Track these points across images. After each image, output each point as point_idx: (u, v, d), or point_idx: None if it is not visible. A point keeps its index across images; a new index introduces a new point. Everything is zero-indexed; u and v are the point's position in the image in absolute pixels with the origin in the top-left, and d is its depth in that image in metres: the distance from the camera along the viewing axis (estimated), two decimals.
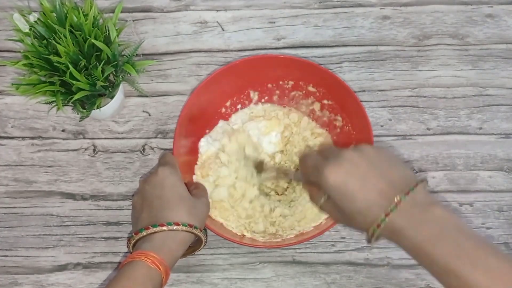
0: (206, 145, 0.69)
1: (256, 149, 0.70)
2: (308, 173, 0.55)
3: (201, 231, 0.58)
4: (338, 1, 0.77)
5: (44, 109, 0.72)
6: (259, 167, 0.69)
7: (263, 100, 0.72)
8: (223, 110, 0.71)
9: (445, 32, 0.75)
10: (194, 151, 0.69)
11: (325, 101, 0.69)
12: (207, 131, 0.70)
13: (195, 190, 0.63)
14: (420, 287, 0.66)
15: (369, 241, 0.50)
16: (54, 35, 0.61)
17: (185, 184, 0.61)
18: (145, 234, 0.56)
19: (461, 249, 0.44)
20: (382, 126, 0.72)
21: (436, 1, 0.76)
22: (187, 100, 0.66)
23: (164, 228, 0.56)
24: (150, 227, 0.56)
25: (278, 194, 0.69)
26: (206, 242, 0.61)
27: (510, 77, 0.74)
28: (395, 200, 0.48)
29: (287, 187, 0.69)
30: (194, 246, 0.61)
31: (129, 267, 0.53)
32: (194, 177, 0.68)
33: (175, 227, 0.56)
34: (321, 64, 0.73)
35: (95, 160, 0.70)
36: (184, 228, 0.56)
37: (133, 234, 0.57)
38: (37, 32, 0.62)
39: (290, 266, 0.67)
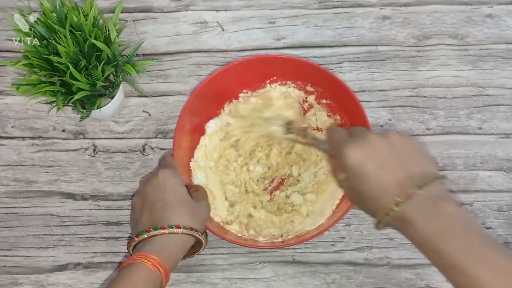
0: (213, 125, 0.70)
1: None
2: (332, 147, 0.55)
3: (201, 234, 0.58)
4: (338, 1, 0.77)
5: (44, 109, 0.72)
6: (288, 125, 0.66)
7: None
8: (223, 110, 0.71)
9: (445, 32, 0.75)
10: (194, 151, 0.69)
11: (324, 101, 0.70)
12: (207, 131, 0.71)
13: (195, 193, 0.63)
14: (420, 287, 0.66)
15: (377, 227, 0.50)
16: (54, 35, 0.61)
17: (185, 186, 0.61)
18: (146, 236, 0.56)
19: (470, 246, 0.44)
20: (382, 126, 0.72)
21: (436, 1, 0.76)
22: (187, 100, 0.66)
23: (165, 231, 0.56)
24: (151, 229, 0.56)
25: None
26: (206, 245, 0.61)
27: (510, 77, 0.74)
28: (409, 191, 0.47)
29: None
30: (194, 248, 0.61)
31: (129, 269, 0.53)
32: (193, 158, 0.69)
33: (176, 230, 0.56)
34: (321, 64, 0.73)
35: (95, 160, 0.70)
36: (185, 231, 0.56)
37: (133, 236, 0.57)
38: (37, 32, 0.62)
39: (290, 266, 0.67)
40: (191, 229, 0.57)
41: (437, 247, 0.45)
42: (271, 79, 0.70)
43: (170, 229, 0.56)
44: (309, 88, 0.70)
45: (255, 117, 0.66)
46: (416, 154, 0.51)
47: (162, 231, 0.56)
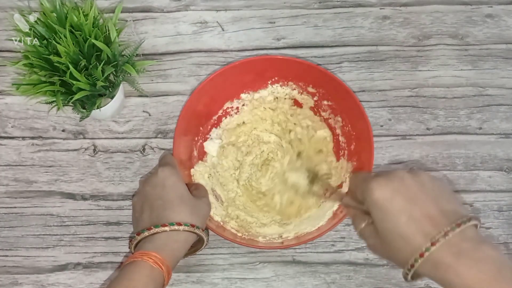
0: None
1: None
2: (355, 188, 0.52)
3: (202, 231, 0.58)
4: (338, 1, 0.77)
5: (44, 109, 0.72)
6: (313, 177, 0.66)
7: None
8: (223, 110, 0.71)
9: (445, 32, 0.75)
10: (193, 151, 0.69)
11: (325, 102, 0.70)
12: (207, 131, 0.71)
13: (195, 190, 0.63)
14: (420, 287, 0.66)
15: (406, 276, 0.45)
16: (54, 35, 0.61)
17: (186, 184, 0.61)
18: (147, 234, 0.56)
19: None
20: (382, 126, 0.72)
21: (436, 1, 0.76)
22: (187, 100, 0.66)
23: (166, 228, 0.56)
24: (152, 227, 0.56)
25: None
26: (207, 242, 0.61)
27: (510, 77, 0.74)
28: (445, 229, 0.43)
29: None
30: (196, 246, 0.61)
31: (131, 267, 0.53)
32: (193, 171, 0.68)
33: (177, 227, 0.56)
34: (321, 64, 0.73)
35: (95, 160, 0.70)
36: (186, 228, 0.56)
37: (135, 235, 0.57)
38: (37, 32, 0.62)
39: (290, 266, 0.67)
40: (192, 226, 0.57)
41: None
42: (273, 79, 0.70)
43: (171, 227, 0.56)
44: (310, 89, 0.70)
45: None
46: (447, 194, 0.48)
47: (163, 228, 0.55)
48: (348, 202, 0.55)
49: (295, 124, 0.71)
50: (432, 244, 0.43)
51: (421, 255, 0.43)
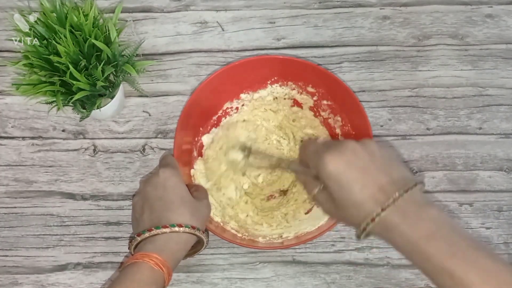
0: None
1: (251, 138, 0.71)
2: (307, 159, 0.55)
3: (203, 232, 0.58)
4: (338, 1, 0.77)
5: (44, 109, 0.72)
6: (247, 151, 0.68)
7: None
8: (223, 110, 0.71)
9: (444, 32, 0.75)
10: (193, 151, 0.69)
11: (325, 102, 0.70)
12: (207, 131, 0.71)
13: (196, 192, 0.63)
14: (420, 287, 0.66)
15: (358, 236, 0.50)
16: (54, 35, 0.61)
17: (186, 185, 0.61)
18: (147, 235, 0.56)
19: (457, 248, 0.44)
20: (382, 126, 0.72)
21: (436, 1, 0.76)
22: (188, 100, 0.66)
23: (167, 229, 0.55)
24: (152, 228, 0.56)
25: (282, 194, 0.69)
26: (207, 244, 0.61)
27: (510, 77, 0.74)
28: (394, 196, 0.47)
29: (287, 189, 0.70)
30: (195, 247, 0.61)
31: (132, 268, 0.53)
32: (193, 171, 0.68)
33: (177, 228, 0.56)
34: (321, 64, 0.73)
35: (95, 160, 0.70)
36: (186, 229, 0.56)
37: (135, 236, 0.57)
38: (37, 32, 0.62)
39: (290, 266, 0.67)
40: (193, 228, 0.57)
41: (424, 251, 0.45)
42: (272, 79, 0.70)
43: (172, 228, 0.56)
44: (310, 89, 0.70)
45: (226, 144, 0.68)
46: (394, 161, 0.52)
47: (163, 230, 0.55)
48: (296, 168, 0.59)
49: (294, 133, 0.72)
50: (382, 209, 0.47)
51: (372, 220, 0.47)
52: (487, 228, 0.68)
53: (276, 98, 0.72)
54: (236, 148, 0.67)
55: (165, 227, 0.56)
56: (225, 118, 0.72)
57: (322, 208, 0.55)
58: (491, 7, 0.76)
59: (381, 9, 0.76)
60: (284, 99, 0.72)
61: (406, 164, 0.60)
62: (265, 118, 0.72)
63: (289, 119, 0.72)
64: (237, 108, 0.72)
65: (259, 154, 0.68)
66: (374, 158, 0.51)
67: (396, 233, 0.47)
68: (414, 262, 0.47)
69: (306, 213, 0.67)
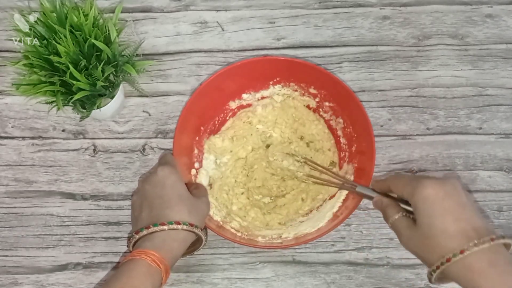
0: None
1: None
2: (400, 184, 0.55)
3: (201, 230, 0.58)
4: (338, 1, 0.77)
5: (44, 109, 0.72)
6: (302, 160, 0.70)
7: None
8: (223, 110, 0.71)
9: (444, 32, 0.75)
10: (194, 151, 0.69)
11: (327, 103, 0.70)
12: (208, 130, 0.71)
13: (195, 190, 0.63)
14: (420, 287, 0.66)
15: (430, 276, 0.50)
16: (54, 35, 0.61)
17: (185, 184, 0.61)
18: (145, 233, 0.56)
19: None
20: (382, 126, 0.72)
21: (436, 1, 0.76)
22: (188, 100, 0.66)
23: (165, 227, 0.55)
24: (150, 226, 0.56)
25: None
26: (206, 241, 0.61)
27: (510, 77, 0.74)
28: (484, 239, 0.47)
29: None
30: (194, 245, 0.61)
31: (129, 265, 0.53)
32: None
33: (175, 226, 0.56)
34: (321, 65, 0.73)
35: (95, 160, 0.70)
36: (185, 227, 0.56)
37: (133, 234, 0.57)
38: (37, 32, 0.62)
39: (290, 266, 0.67)
40: (191, 225, 0.57)
41: None
42: (274, 80, 0.70)
43: (170, 226, 0.56)
44: (312, 90, 0.70)
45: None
46: (480, 212, 0.54)
47: (161, 227, 0.55)
48: (364, 192, 0.60)
49: (301, 137, 0.72)
50: (474, 245, 0.47)
51: (462, 252, 0.47)
52: None
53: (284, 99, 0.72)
54: (290, 158, 0.69)
55: (163, 224, 0.56)
56: (227, 118, 0.72)
57: (399, 235, 0.55)
58: (491, 7, 0.76)
59: (381, 9, 0.76)
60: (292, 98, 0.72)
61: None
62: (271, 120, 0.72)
63: (294, 120, 0.72)
64: (237, 108, 0.72)
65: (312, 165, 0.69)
66: (470, 200, 0.52)
67: (482, 276, 0.46)
68: None
69: (305, 215, 0.67)
